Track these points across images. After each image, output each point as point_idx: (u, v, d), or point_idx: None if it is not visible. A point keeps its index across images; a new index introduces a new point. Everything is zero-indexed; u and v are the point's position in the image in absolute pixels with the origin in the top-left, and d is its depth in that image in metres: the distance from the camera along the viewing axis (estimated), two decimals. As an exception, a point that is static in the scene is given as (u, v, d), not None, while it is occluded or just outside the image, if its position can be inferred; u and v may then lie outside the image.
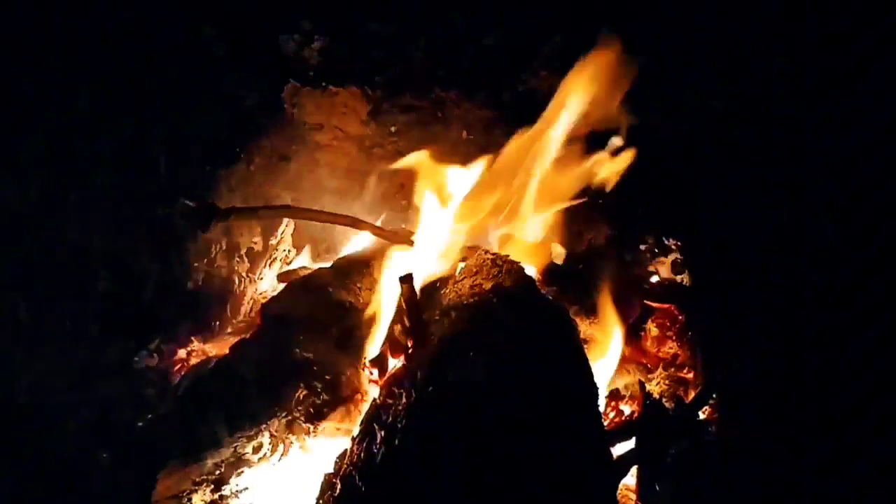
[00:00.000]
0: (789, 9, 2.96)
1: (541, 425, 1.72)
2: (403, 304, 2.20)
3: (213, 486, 2.11)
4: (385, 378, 2.12)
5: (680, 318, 2.69)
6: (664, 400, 2.44)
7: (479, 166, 2.73)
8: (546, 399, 1.80)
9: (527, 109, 3.47)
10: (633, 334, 2.76)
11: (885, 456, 2.18)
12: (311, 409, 2.24)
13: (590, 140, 2.86)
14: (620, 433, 2.23)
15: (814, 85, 2.96)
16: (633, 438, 2.21)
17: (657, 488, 2.09)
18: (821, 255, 2.76)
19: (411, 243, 2.73)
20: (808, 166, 2.90)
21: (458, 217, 2.70)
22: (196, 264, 3.37)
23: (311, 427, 2.23)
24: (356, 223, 2.84)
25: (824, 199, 2.84)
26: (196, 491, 2.10)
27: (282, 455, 2.20)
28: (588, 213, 3.17)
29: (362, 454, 1.72)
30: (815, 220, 2.85)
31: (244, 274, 3.57)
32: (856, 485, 2.15)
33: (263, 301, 3.16)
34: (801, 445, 2.23)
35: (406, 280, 2.19)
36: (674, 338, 2.68)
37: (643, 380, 2.54)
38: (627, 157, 2.81)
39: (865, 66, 2.84)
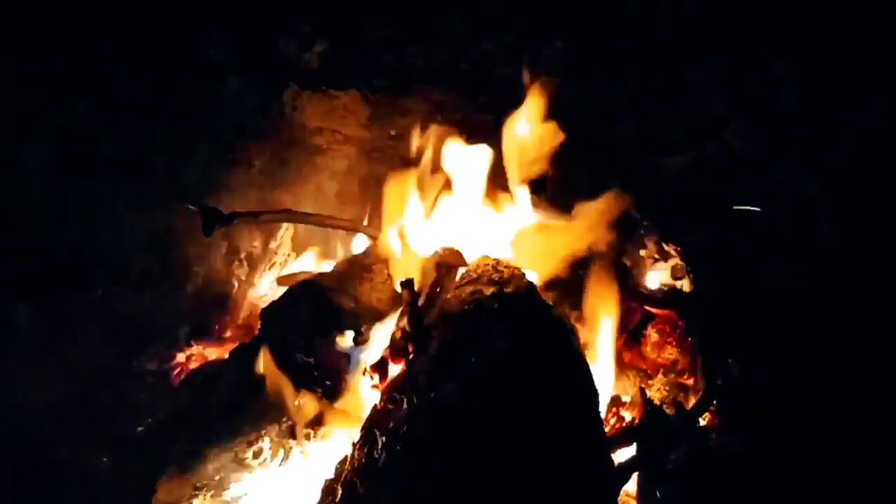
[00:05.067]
0: (790, 13, 2.97)
1: (542, 431, 1.72)
2: (404, 309, 2.20)
3: (213, 492, 2.11)
4: (386, 383, 2.11)
5: (680, 323, 2.69)
6: (665, 406, 2.43)
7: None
8: (547, 405, 1.80)
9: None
10: (633, 340, 2.76)
11: (886, 460, 2.19)
12: (312, 414, 2.24)
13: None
14: (621, 439, 2.23)
15: (814, 88, 2.97)
16: (634, 444, 2.21)
17: (658, 494, 2.09)
18: (822, 259, 2.77)
19: (411, 248, 2.72)
20: (809, 171, 2.91)
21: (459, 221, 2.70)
22: (195, 268, 3.36)
23: (312, 432, 2.22)
24: (356, 227, 2.84)
25: (825, 204, 2.85)
26: (196, 496, 2.09)
27: (282, 460, 2.19)
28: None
29: (363, 460, 1.72)
30: (816, 224, 2.86)
31: (243, 278, 3.57)
32: (857, 490, 2.15)
33: (263, 305, 3.15)
34: (802, 451, 2.23)
35: (407, 285, 2.19)
36: (674, 343, 2.68)
37: (643, 386, 2.53)
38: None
39: (866, 68, 2.85)
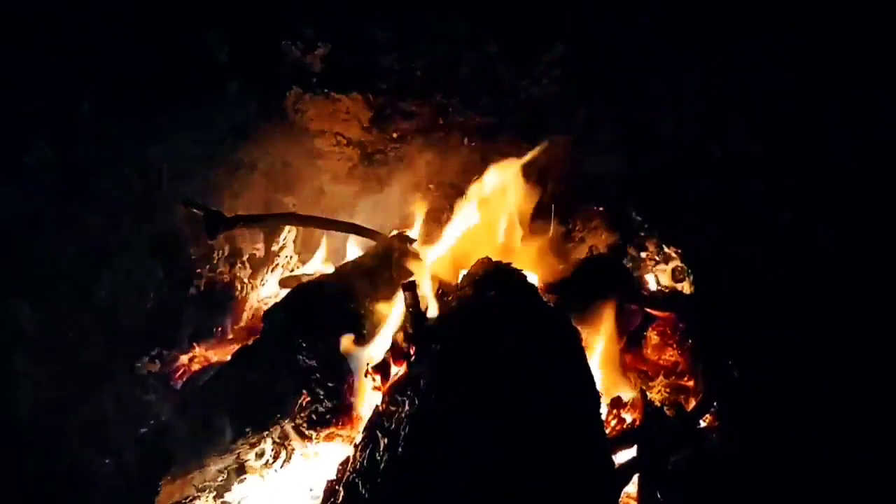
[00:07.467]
0: (788, 14, 2.97)
1: (543, 433, 1.73)
2: (406, 311, 2.21)
3: (215, 493, 2.12)
4: (388, 385, 2.12)
5: (680, 325, 2.69)
6: (665, 408, 2.44)
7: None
8: (548, 406, 1.81)
9: (528, 117, 3.50)
10: (634, 342, 2.76)
11: (886, 462, 2.19)
12: (314, 416, 2.25)
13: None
14: (622, 441, 2.24)
15: (814, 89, 2.97)
16: (635, 446, 2.22)
17: (658, 496, 2.10)
18: (822, 262, 2.77)
19: (413, 250, 2.74)
20: (809, 174, 2.91)
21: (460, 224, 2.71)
22: (198, 270, 3.37)
23: (314, 434, 2.23)
24: (358, 229, 2.85)
25: (826, 207, 2.85)
26: (199, 497, 2.11)
27: (284, 462, 2.20)
28: (589, 221, 3.18)
29: (365, 461, 1.73)
30: (816, 224, 2.86)
31: (246, 280, 3.57)
32: (857, 490, 2.15)
33: (266, 307, 3.16)
34: (802, 453, 2.24)
35: (409, 287, 2.19)
36: (674, 346, 2.68)
37: (644, 388, 2.54)
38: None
39: (866, 68, 2.85)
